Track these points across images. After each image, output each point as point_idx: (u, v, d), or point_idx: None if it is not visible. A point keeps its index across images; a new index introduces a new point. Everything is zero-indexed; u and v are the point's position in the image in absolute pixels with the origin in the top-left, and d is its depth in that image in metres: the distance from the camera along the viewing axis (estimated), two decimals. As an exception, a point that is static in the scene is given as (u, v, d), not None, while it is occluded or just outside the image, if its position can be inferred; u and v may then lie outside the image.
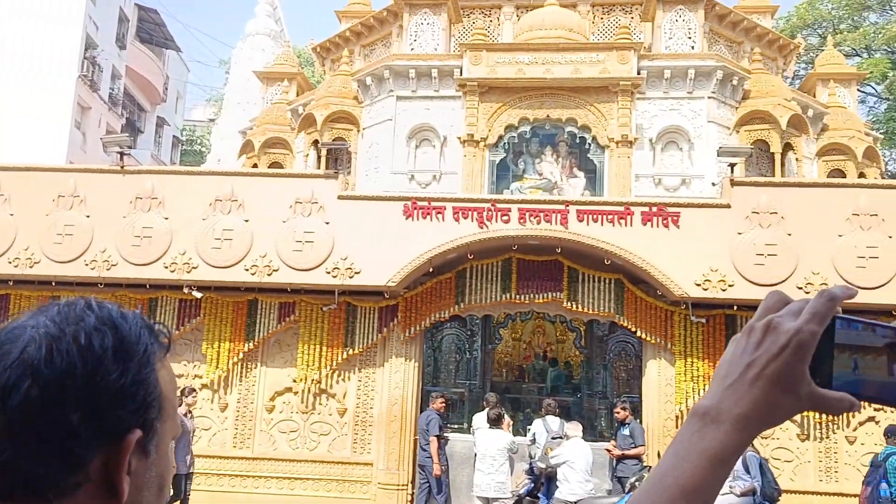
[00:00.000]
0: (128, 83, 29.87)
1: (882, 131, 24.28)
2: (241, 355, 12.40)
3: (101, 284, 12.31)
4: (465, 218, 11.87)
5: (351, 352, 12.25)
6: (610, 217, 11.64)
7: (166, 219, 12.20)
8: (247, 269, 11.88)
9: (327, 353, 12.22)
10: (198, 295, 12.29)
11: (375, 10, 18.59)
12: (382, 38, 17.77)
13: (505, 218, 11.79)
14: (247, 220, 12.02)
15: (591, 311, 12.22)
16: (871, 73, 24.04)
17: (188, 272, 12.02)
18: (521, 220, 11.76)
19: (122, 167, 12.76)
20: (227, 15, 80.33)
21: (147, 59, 30.85)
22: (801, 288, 10.98)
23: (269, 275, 11.86)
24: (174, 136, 36.14)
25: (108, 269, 12.16)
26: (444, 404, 11.65)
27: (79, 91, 25.22)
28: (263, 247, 11.91)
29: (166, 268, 12.06)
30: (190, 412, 10.93)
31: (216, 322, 12.49)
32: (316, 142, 15.31)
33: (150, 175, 12.95)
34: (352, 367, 12.37)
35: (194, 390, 11.26)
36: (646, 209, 11.63)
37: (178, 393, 11.04)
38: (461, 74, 14.59)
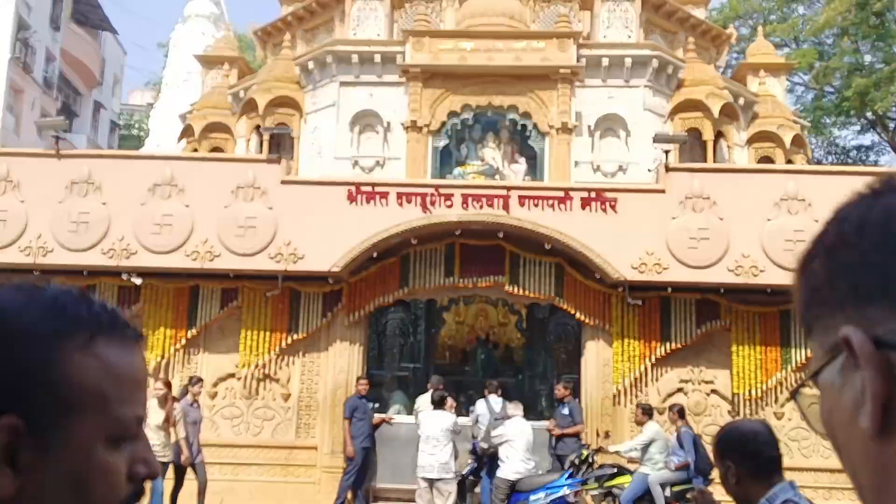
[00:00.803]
0: (63, 66, 29.03)
1: (809, 120, 25.14)
2: (182, 342, 12.32)
3: (36, 271, 12.06)
4: (409, 203, 11.99)
5: (295, 337, 12.28)
6: (550, 202, 11.90)
7: (104, 204, 12.01)
8: (188, 255, 11.80)
9: (271, 338, 12.23)
10: (137, 282, 12.16)
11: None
12: (325, 23, 17.68)
13: (448, 203, 11.95)
14: (187, 206, 11.91)
15: (532, 294, 12.48)
16: (800, 63, 24.85)
17: (127, 258, 11.87)
18: (464, 206, 11.95)
19: (57, 151, 12.50)
20: (164, -3, 78.38)
21: (83, 41, 30.02)
22: (731, 270, 11.44)
23: (210, 260, 11.80)
24: (112, 120, 35.29)
25: (43, 256, 11.93)
26: (365, 386, 11.61)
27: (11, 73, 24.43)
28: (205, 232, 11.83)
29: (104, 254, 11.89)
30: (196, 401, 10.83)
31: (157, 309, 12.38)
32: (258, 127, 15.21)
33: (87, 159, 12.72)
34: (296, 352, 12.41)
35: (200, 380, 11.17)
36: (585, 194, 11.93)
37: (187, 382, 11.00)
38: (404, 60, 14.65)
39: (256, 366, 12.20)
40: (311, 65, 15.28)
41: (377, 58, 14.88)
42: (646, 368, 12.06)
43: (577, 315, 12.36)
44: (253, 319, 12.27)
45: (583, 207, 11.83)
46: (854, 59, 25.83)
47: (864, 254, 0.61)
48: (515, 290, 12.42)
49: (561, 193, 11.97)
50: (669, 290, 11.92)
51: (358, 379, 11.74)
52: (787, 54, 25.57)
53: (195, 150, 15.67)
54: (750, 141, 15.29)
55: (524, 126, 14.76)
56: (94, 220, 11.93)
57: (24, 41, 25.21)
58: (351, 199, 11.97)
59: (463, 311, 16.09)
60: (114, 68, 35.43)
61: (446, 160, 14.97)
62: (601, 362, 12.22)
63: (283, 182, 12.08)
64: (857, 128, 28.51)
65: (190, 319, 12.36)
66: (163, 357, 12.26)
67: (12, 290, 0.79)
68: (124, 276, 12.16)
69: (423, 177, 13.98)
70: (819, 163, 26.19)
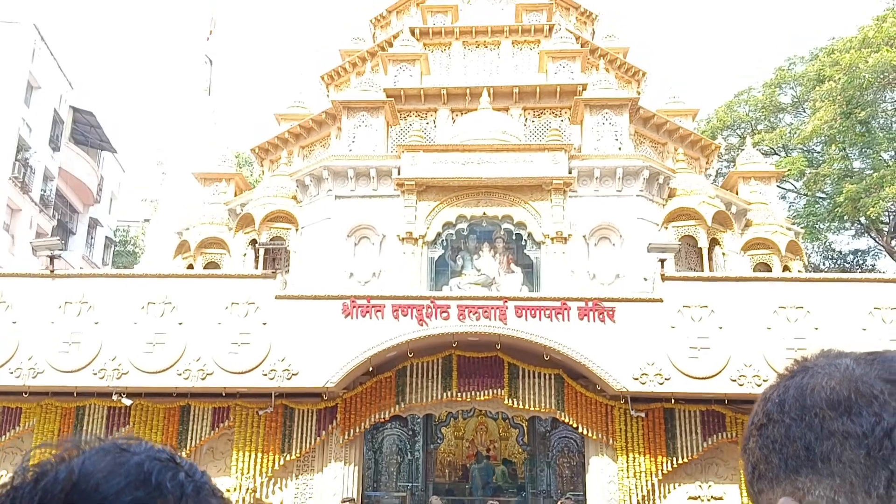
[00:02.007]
0: (60, 184, 29.45)
1: (803, 226, 25.41)
2: (172, 464, 11.87)
3: (26, 393, 11.79)
4: (405, 316, 11.85)
5: (288, 457, 11.88)
6: (547, 312, 11.77)
7: (96, 323, 11.86)
8: (179, 374, 11.55)
9: (263, 459, 11.82)
10: (127, 402, 11.85)
11: (314, 112, 18.95)
12: (321, 140, 18.05)
13: (444, 315, 11.81)
14: (180, 323, 11.76)
15: (532, 408, 12.18)
16: (789, 170, 25.32)
17: (118, 378, 11.61)
18: (461, 317, 11.80)
19: (51, 271, 12.45)
20: (166, 116, 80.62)
21: (81, 160, 30.57)
22: (734, 380, 11.20)
23: (202, 379, 11.54)
24: (107, 236, 35.52)
25: (34, 378, 11.67)
26: None
27: (9, 193, 24.73)
28: (197, 350, 11.62)
29: (95, 374, 11.64)
30: None
31: (146, 430, 12.03)
32: (254, 241, 15.25)
33: (81, 279, 12.64)
34: (289, 473, 11.98)
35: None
36: (582, 304, 11.82)
37: None
38: (399, 174, 14.85)
39: (248, 489, 11.73)
40: (307, 180, 15.47)
41: (373, 172, 15.09)
42: (653, 486, 11.63)
43: (580, 428, 12.02)
44: (245, 440, 11.90)
45: (581, 318, 11.69)
46: (843, 165, 26.34)
47: (787, 428, 0.71)
48: (515, 403, 12.13)
49: (558, 304, 11.86)
50: (673, 401, 11.64)
51: (343, 501, 11.21)
52: (777, 162, 26.11)
53: (190, 265, 15.66)
54: (745, 248, 15.33)
55: (519, 235, 14.82)
56: (85, 341, 11.74)
57: (23, 161, 25.66)
58: (346, 312, 11.83)
59: (462, 425, 15.70)
60: (111, 185, 35.95)
61: (442, 270, 14.95)
62: (606, 479, 11.78)
63: (278, 297, 11.98)
64: (852, 232, 28.78)
65: (180, 441, 11.99)
66: (151, 481, 11.78)
67: (99, 455, 0.78)
68: (114, 397, 11.85)
69: (420, 288, 13.91)
70: (817, 268, 26.30)
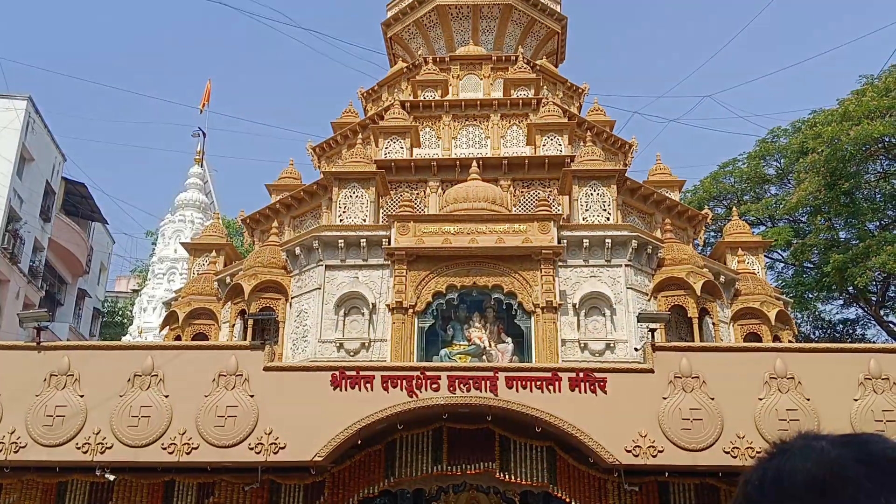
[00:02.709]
0: (50, 255, 29.42)
1: (792, 295, 25.52)
2: (154, 543, 11.56)
3: (7, 468, 11.51)
4: (395, 387, 11.72)
5: (274, 535, 11.57)
6: (538, 383, 11.68)
7: (81, 396, 11.67)
8: (164, 448, 11.31)
9: (248, 537, 11.50)
10: (110, 478, 11.58)
11: (306, 183, 19.14)
12: (312, 210, 18.18)
13: (434, 386, 11.70)
14: (167, 396, 11.59)
15: (524, 482, 11.96)
16: (776, 241, 25.57)
17: (102, 452, 11.37)
18: (451, 388, 11.69)
19: (37, 343, 12.31)
20: (158, 187, 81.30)
21: (72, 231, 30.63)
22: (727, 452, 11.07)
23: (188, 453, 11.31)
24: (95, 307, 35.31)
25: (15, 452, 11.41)
26: None
27: (-3, 264, 24.67)
28: (183, 423, 11.43)
29: (79, 448, 11.39)
30: None
31: (129, 506, 11.71)
32: (243, 312, 15.18)
33: (67, 351, 12.50)
34: (274, 552, 11.64)
35: None
36: (573, 375, 11.73)
37: None
38: (389, 244, 14.91)
39: (232, 569, 11.39)
40: (297, 250, 15.51)
41: (363, 242, 15.15)
42: (649, 565, 11.35)
43: (573, 503, 11.77)
44: (230, 516, 11.60)
45: (571, 388, 11.59)
46: (829, 235, 26.64)
47: None
48: (507, 476, 11.91)
49: (549, 374, 11.77)
50: (666, 474, 11.46)
51: None
52: (763, 232, 26.39)
53: (178, 336, 15.53)
54: (735, 318, 15.35)
55: (509, 305, 14.80)
56: (70, 414, 11.54)
57: (13, 232, 25.68)
58: (335, 384, 11.70)
59: (453, 500, 15.35)
60: (101, 256, 35.95)
61: (433, 341, 14.86)
62: (600, 555, 11.50)
63: (266, 368, 11.85)
64: (841, 302, 28.91)
65: (163, 518, 11.67)
66: (132, 560, 11.44)
67: None
68: (97, 472, 11.58)
69: (410, 358, 13.81)
70: (807, 337, 26.31)
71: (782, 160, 28.79)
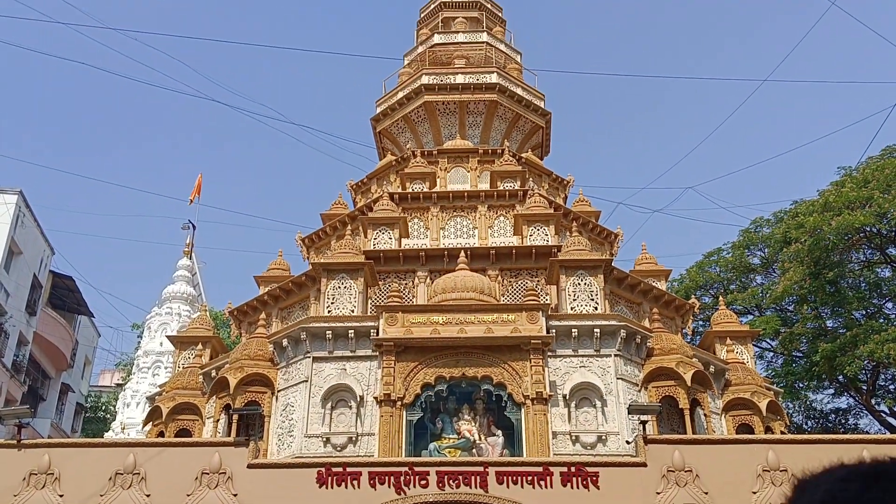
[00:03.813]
0: (35, 349, 29.06)
1: (782, 385, 25.38)
2: None
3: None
4: (382, 483, 11.48)
5: None
6: (529, 478, 11.45)
7: (61, 496, 11.37)
8: (143, 553, 10.94)
9: None
10: (86, 582, 11.12)
11: (294, 274, 19.16)
12: (300, 301, 18.13)
13: (423, 482, 11.45)
14: (148, 495, 11.28)
15: (516, 585, 11.55)
16: (764, 329, 25.59)
17: (78, 555, 10.96)
18: (440, 484, 11.44)
19: (18, 441, 12.03)
20: (145, 280, 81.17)
21: (57, 325, 30.34)
22: (725, 549, 10.78)
23: (168, 558, 10.93)
24: (78, 402, 34.65)
25: (-13, 556, 10.99)
26: None
27: (-21, 360, 24.32)
28: (164, 525, 11.08)
29: (54, 551, 10.99)
30: None
31: None
32: (228, 406, 14.91)
33: (48, 448, 12.21)
34: None
35: None
36: (565, 469, 11.54)
37: None
38: (377, 334, 14.83)
39: None
40: (284, 342, 15.38)
41: (351, 332, 15.06)
42: None
43: None
44: None
45: (563, 483, 11.37)
46: (817, 324, 26.71)
47: None
48: (498, 579, 11.51)
49: (540, 469, 11.56)
50: (663, 573, 11.12)
51: None
52: (751, 321, 26.43)
53: (161, 432, 15.20)
54: (726, 408, 15.21)
55: (499, 396, 14.63)
56: (46, 514, 11.18)
57: (-2, 327, 25.42)
58: (321, 481, 11.44)
59: None
60: (86, 350, 35.52)
61: (421, 433, 14.59)
62: None
63: (250, 465, 11.60)
64: (831, 391, 28.73)
65: None
66: None
67: None
68: (71, 577, 11.13)
69: (398, 452, 13.53)
70: (800, 427, 26.04)
71: (766, 249, 29.14)
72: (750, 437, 13.26)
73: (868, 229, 24.39)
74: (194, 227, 31.04)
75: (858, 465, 0.81)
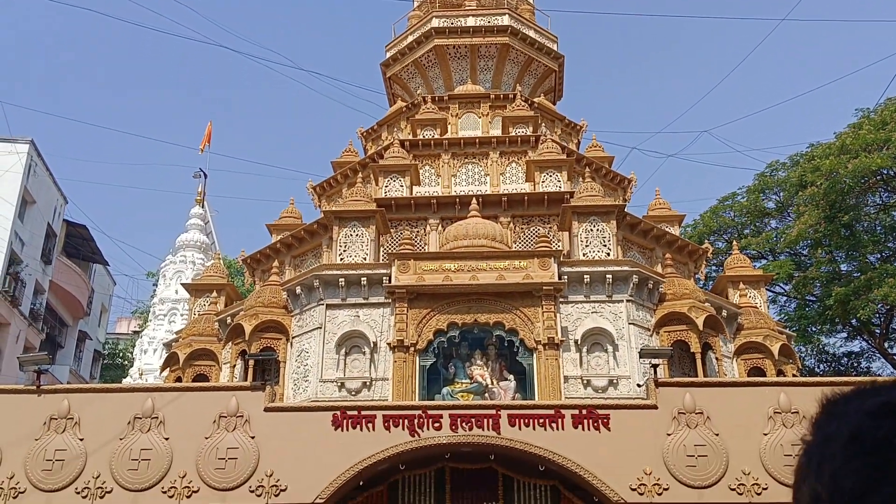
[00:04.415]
0: (51, 298, 29.40)
1: (795, 329, 25.41)
2: (153, 590, 11.37)
3: (2, 515, 11.37)
4: (396, 426, 11.64)
5: (274, 581, 11.37)
6: (541, 421, 11.58)
7: (81, 440, 11.59)
8: (164, 492, 11.20)
9: (248, 584, 11.32)
10: (110, 522, 11.42)
11: (306, 222, 19.19)
12: (313, 249, 18.20)
13: (436, 425, 11.61)
14: (167, 438, 11.51)
15: (528, 522, 11.80)
16: (778, 274, 25.52)
17: (101, 497, 11.26)
18: (453, 427, 11.60)
19: (37, 387, 12.26)
20: (158, 229, 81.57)
21: (73, 273, 30.64)
22: (733, 489, 10.93)
23: (188, 496, 11.19)
24: (96, 350, 35.19)
25: (14, 498, 11.30)
26: None
27: (-1, 308, 24.66)
28: (184, 465, 11.33)
29: (78, 493, 11.29)
30: None
31: (128, 551, 11.54)
32: (244, 352, 15.11)
33: (67, 394, 12.43)
34: None
35: None
36: (576, 412, 11.65)
37: None
38: (390, 282, 14.90)
39: None
40: (298, 289, 15.49)
41: (363, 280, 15.13)
42: None
43: (578, 544, 11.62)
44: (231, 560, 11.42)
45: (575, 426, 11.50)
46: (831, 268, 26.59)
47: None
48: (510, 517, 11.76)
49: (552, 412, 11.69)
50: (673, 512, 11.29)
51: None
52: (765, 266, 26.35)
53: (178, 378, 15.45)
54: (738, 352, 15.27)
55: (511, 342, 14.74)
56: (69, 458, 11.45)
57: (14, 275, 25.69)
58: (336, 424, 11.61)
59: (457, 541, 15.15)
60: (102, 298, 35.92)
61: (434, 379, 14.76)
62: None
63: (267, 409, 11.78)
64: (844, 335, 28.75)
65: (163, 562, 11.49)
66: None
67: None
68: (96, 517, 11.44)
69: (412, 397, 13.71)
70: (812, 371, 26.14)
71: (781, 193, 28.87)
72: (761, 379, 13.33)
73: (885, 172, 24.10)
74: (206, 175, 31.05)
75: (891, 392, 0.76)
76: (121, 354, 39.47)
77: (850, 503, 0.70)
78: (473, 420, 11.64)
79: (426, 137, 19.68)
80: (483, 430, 11.50)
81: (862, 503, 0.69)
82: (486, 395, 14.25)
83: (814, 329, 27.69)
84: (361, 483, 11.61)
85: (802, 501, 0.76)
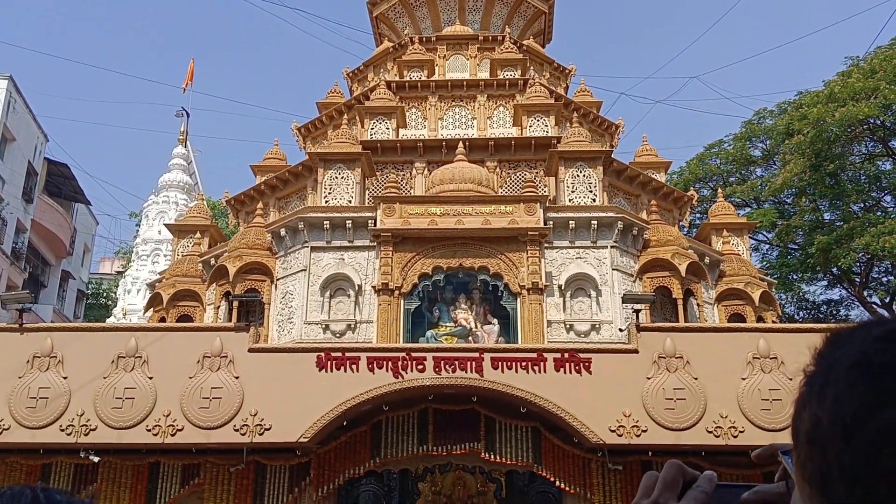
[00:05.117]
0: (33, 237, 29.16)
1: (776, 276, 25.65)
2: (140, 524, 11.57)
3: (-12, 451, 11.46)
4: (380, 368, 11.74)
5: (260, 515, 11.59)
6: (524, 364, 11.72)
7: (65, 378, 11.62)
8: (149, 430, 11.29)
9: (234, 517, 11.53)
10: (95, 459, 11.55)
11: (291, 164, 19.01)
12: (297, 191, 18.06)
13: (420, 367, 11.72)
14: (151, 377, 11.56)
15: (509, 461, 12.03)
16: (761, 222, 25.66)
17: (86, 434, 11.34)
18: (437, 369, 11.71)
19: (20, 325, 12.22)
20: (141, 168, 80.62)
21: (54, 212, 30.35)
22: (710, 431, 11.15)
23: (172, 434, 11.29)
24: (79, 289, 35.08)
25: (-2, 434, 11.36)
26: None
27: (-21, 246, 24.45)
28: (168, 404, 11.41)
29: (62, 430, 11.36)
30: None
31: (114, 488, 11.72)
32: (228, 294, 15.10)
33: (50, 332, 12.42)
34: (261, 532, 11.67)
35: None
36: (558, 355, 11.78)
37: None
38: (375, 225, 14.86)
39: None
40: (282, 231, 15.43)
41: (348, 223, 15.08)
42: (632, 542, 11.44)
43: (557, 482, 11.86)
44: (216, 497, 11.64)
45: (557, 369, 11.64)
46: (814, 217, 26.76)
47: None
48: (492, 457, 11.98)
49: (534, 355, 11.81)
50: (650, 453, 11.54)
51: None
52: (749, 214, 26.47)
53: (162, 318, 15.45)
54: (719, 299, 15.42)
55: (495, 287, 14.81)
56: (53, 396, 11.49)
57: (-5, 214, 25.43)
58: (320, 365, 11.70)
59: (439, 480, 15.42)
60: (84, 238, 35.68)
61: (419, 322, 14.85)
62: (585, 534, 11.60)
63: (251, 350, 11.83)
64: (825, 283, 29.10)
65: (149, 498, 11.70)
66: (118, 541, 11.46)
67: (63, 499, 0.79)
68: (82, 454, 11.55)
69: (396, 339, 13.81)
70: (791, 318, 26.50)
71: (768, 142, 28.84)
72: (741, 325, 13.51)
73: (872, 121, 24.08)
74: (188, 114, 30.57)
75: None
76: (104, 294, 39.38)
77: (851, 427, 0.67)
78: (457, 363, 11.76)
79: (413, 79, 19.41)
80: (466, 372, 11.63)
81: (864, 427, 0.67)
82: (470, 338, 14.36)
83: (795, 277, 27.99)
84: (345, 423, 11.75)
85: (802, 429, 0.73)
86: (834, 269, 26.20)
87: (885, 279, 28.02)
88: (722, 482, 0.89)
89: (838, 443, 0.68)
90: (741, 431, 11.12)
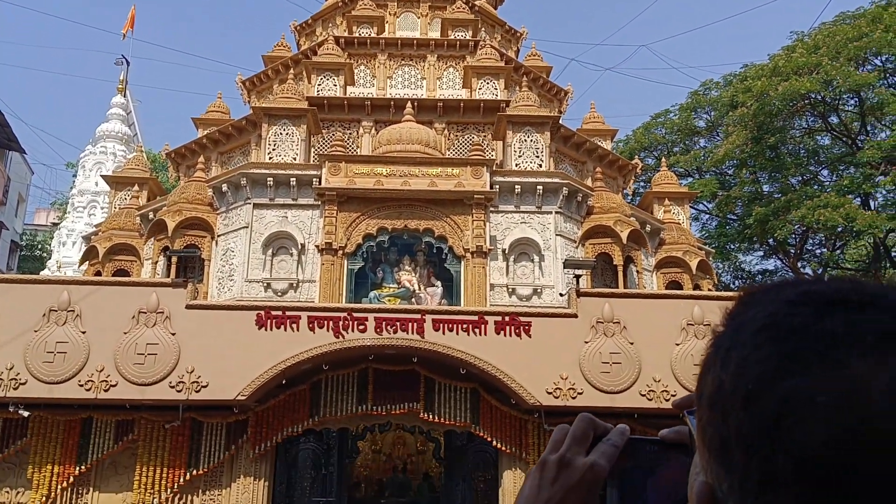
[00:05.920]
0: (-37, 184, 28.06)
1: (714, 246, 26.24)
2: (70, 479, 11.38)
3: (-89, 404, 11.10)
4: (321, 328, 11.69)
5: (195, 472, 11.52)
6: (465, 326, 11.79)
7: (-6, 330, 11.27)
8: (81, 385, 11.08)
9: (168, 474, 11.44)
10: (25, 414, 11.29)
11: (235, 118, 18.59)
12: (241, 147, 17.70)
13: (361, 327, 11.70)
14: (84, 332, 11.30)
15: (447, 422, 12.15)
16: (702, 192, 26.16)
17: (15, 388, 11.07)
18: (378, 330, 11.71)
19: (-55, 275, 11.79)
20: (78, 117, 78.01)
21: (-14, 160, 29.21)
22: (643, 395, 11.43)
23: (105, 390, 11.10)
24: (13, 240, 34.00)
25: (-79, 386, 11.00)
26: None
27: None
28: (101, 359, 11.18)
29: (-10, 384, 11.05)
30: None
31: (44, 443, 11.48)
32: (166, 248, 14.79)
33: (-22, 283, 12.01)
34: (195, 489, 11.62)
35: None
36: (499, 318, 11.88)
37: None
38: (320, 183, 14.67)
39: (151, 505, 11.31)
40: (224, 187, 15.12)
41: (293, 181, 14.85)
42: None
43: (494, 442, 12.04)
44: (150, 454, 11.49)
45: (497, 332, 11.75)
46: (753, 188, 27.36)
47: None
48: (431, 416, 12.09)
49: (475, 318, 11.90)
50: (585, 415, 11.76)
51: None
52: (691, 184, 26.94)
53: (98, 272, 15.07)
54: (658, 266, 15.71)
55: (440, 249, 14.81)
56: (-20, 348, 11.15)
57: (-77, 159, 24.35)
58: (260, 323, 11.58)
59: (380, 439, 15.55)
60: (19, 188, 34.50)
61: (362, 283, 14.79)
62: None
63: (188, 307, 11.64)
64: (761, 254, 29.90)
65: (80, 454, 11.49)
66: (49, 497, 11.27)
67: None
68: (11, 408, 11.28)
69: (339, 300, 13.73)
70: (727, 287, 27.15)
71: (713, 113, 29.27)
72: (677, 292, 13.81)
73: (813, 96, 24.58)
74: (128, 62, 29.60)
75: (813, 283, 0.69)
76: (39, 246, 38.24)
77: (752, 393, 0.63)
78: (398, 324, 11.77)
79: (362, 35, 19.08)
80: (408, 333, 11.66)
81: (765, 394, 0.63)
82: (413, 300, 14.38)
83: (732, 247, 28.69)
84: (284, 381, 11.70)
85: (705, 392, 0.70)
86: (770, 240, 26.91)
87: (818, 251, 28.92)
88: (634, 436, 0.87)
89: (738, 409, 0.65)
90: (673, 395, 11.41)
